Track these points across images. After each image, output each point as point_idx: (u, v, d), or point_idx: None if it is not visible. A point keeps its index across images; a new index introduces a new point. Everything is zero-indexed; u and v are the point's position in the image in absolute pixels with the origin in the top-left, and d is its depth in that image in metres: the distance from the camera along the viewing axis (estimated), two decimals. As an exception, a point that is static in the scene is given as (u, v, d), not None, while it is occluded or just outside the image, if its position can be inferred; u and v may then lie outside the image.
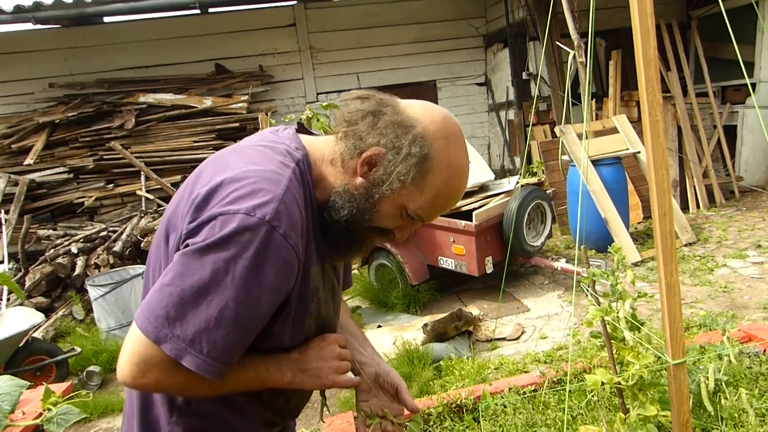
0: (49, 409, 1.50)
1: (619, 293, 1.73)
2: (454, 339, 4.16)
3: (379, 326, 4.68)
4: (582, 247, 1.76)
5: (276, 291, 0.99)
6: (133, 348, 0.97)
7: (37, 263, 5.81)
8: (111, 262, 5.64)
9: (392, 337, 4.15)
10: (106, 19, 8.18)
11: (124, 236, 5.91)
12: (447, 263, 4.96)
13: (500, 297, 4.37)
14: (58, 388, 1.74)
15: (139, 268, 5.15)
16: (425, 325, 4.06)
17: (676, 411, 1.40)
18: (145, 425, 1.15)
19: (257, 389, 1.11)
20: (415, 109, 1.09)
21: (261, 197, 0.94)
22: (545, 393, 2.13)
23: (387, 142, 1.05)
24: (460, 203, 4.84)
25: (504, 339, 4.25)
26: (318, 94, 9.06)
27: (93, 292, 4.84)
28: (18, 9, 6.82)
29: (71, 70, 8.08)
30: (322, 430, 2.04)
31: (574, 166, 5.63)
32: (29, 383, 1.62)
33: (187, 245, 0.95)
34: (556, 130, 5.87)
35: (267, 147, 1.08)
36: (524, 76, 8.48)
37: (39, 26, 7.39)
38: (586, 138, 5.77)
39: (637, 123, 6.85)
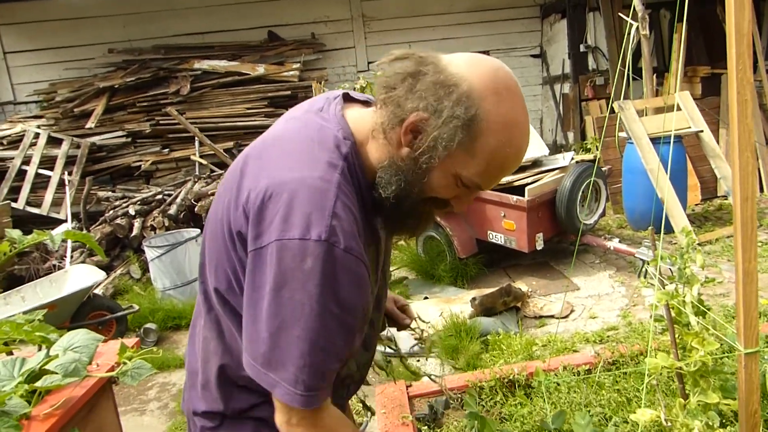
0: (125, 363, 1.58)
1: (687, 277, 1.69)
2: (502, 314, 4.15)
3: (426, 298, 4.71)
4: (646, 228, 1.72)
5: (356, 306, 0.98)
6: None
7: (97, 224, 6.05)
8: (166, 224, 5.82)
9: (439, 309, 4.17)
10: (164, -15, 8.31)
11: (178, 200, 6.08)
12: (496, 238, 4.92)
13: (568, 275, 4.32)
14: (129, 343, 1.83)
15: (192, 231, 5.30)
16: (473, 299, 4.06)
17: (744, 401, 1.37)
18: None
19: None
20: (459, 64, 0.97)
21: (313, 214, 0.92)
22: (599, 373, 2.11)
23: (428, 105, 0.95)
24: (511, 178, 4.77)
25: (552, 317, 4.21)
26: (369, 63, 9.01)
27: (150, 253, 5.02)
28: (81, -25, 7.00)
29: (130, 36, 8.26)
30: (375, 397, 2.08)
31: (632, 143, 5.46)
32: (104, 337, 1.71)
33: (254, 270, 0.96)
34: (615, 105, 5.69)
35: (314, 141, 1.02)
36: (582, 48, 8.22)
37: (100, -8, 7.58)
38: (675, 112, 5.57)
39: (700, 100, 6.57)
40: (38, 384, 1.46)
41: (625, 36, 4.16)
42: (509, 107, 0.96)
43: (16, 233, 1.40)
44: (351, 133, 1.04)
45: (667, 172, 4.77)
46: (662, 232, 5.36)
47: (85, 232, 5.80)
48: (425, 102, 0.95)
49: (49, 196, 6.76)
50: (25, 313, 3.13)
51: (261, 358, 0.96)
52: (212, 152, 7.27)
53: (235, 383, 1.15)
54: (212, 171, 7.12)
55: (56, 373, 1.44)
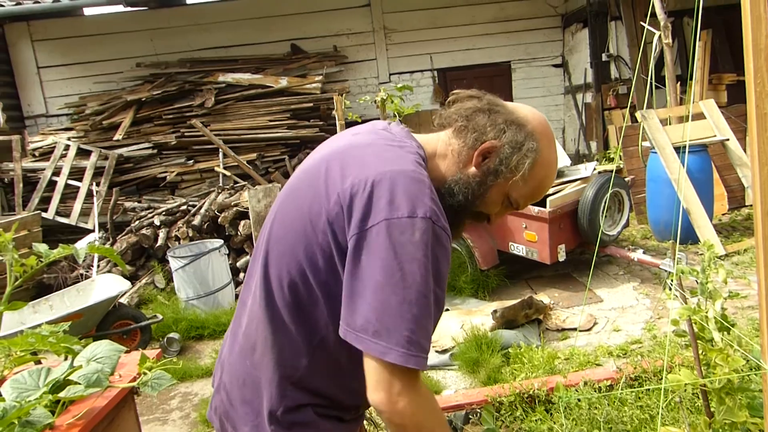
0: (145, 373, 1.60)
1: (709, 292, 1.66)
2: (524, 327, 4.11)
3: (447, 309, 4.68)
4: (670, 240, 1.70)
5: (445, 278, 1.10)
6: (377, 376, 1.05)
7: (123, 233, 6.16)
8: (190, 235, 5.90)
9: (460, 321, 4.15)
10: (189, 1, 8.48)
11: (202, 211, 6.15)
12: (518, 249, 4.89)
13: (588, 286, 4.27)
14: (150, 354, 1.85)
15: (216, 242, 5.37)
16: (495, 311, 4.03)
17: (768, 419, 1.34)
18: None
19: None
20: (524, 110, 1.24)
21: (417, 197, 1.05)
22: (622, 390, 2.08)
23: (506, 137, 1.18)
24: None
25: (575, 329, 4.16)
26: (391, 74, 9.06)
27: (174, 263, 5.09)
28: (109, -8, 7.20)
29: (156, 50, 8.45)
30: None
31: (656, 152, 5.39)
32: (126, 348, 1.74)
33: (360, 248, 1.03)
34: (638, 114, 5.63)
35: (394, 146, 1.18)
36: (604, 57, 8.16)
37: (128, 8, 7.76)
38: (690, 122, 5.50)
39: (725, 108, 6.46)
40: (62, 394, 1.49)
41: (644, 44, 4.12)
42: (552, 149, 1.24)
43: (43, 248, 1.44)
44: (420, 145, 1.23)
45: (691, 181, 4.70)
46: (688, 243, 5.26)
47: (107, 245, 5.91)
48: (504, 134, 1.19)
49: (77, 206, 6.93)
50: (51, 322, 3.21)
51: (371, 328, 1.01)
52: (236, 164, 7.36)
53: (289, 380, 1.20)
54: (236, 182, 7.20)
55: (79, 384, 1.47)
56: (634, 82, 7.48)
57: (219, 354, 1.37)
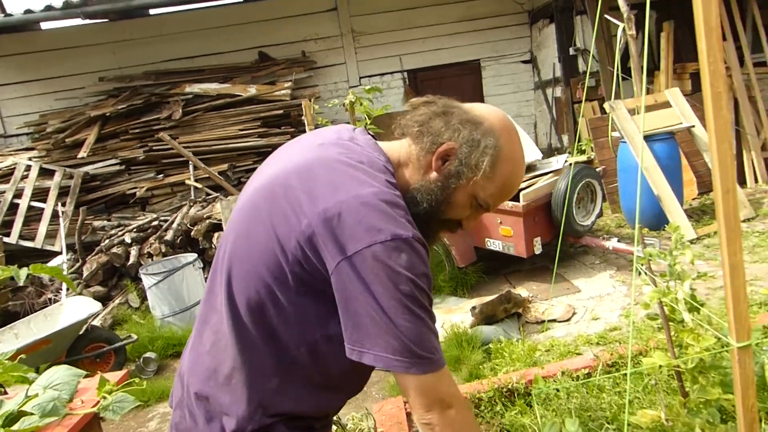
0: (105, 398, 1.54)
1: (678, 274, 1.66)
2: (503, 321, 4.11)
3: (427, 310, 4.66)
4: (638, 226, 1.70)
5: (430, 287, 1.10)
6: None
7: (93, 253, 6.03)
8: (163, 250, 5.80)
9: (440, 320, 4.13)
10: (152, 11, 8.34)
11: (174, 225, 6.06)
12: (494, 245, 4.89)
13: (553, 277, 4.28)
14: (114, 376, 1.79)
15: (190, 256, 5.27)
16: (473, 307, 4.02)
17: (740, 395, 1.33)
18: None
19: None
20: (480, 109, 1.22)
21: (395, 219, 1.04)
22: (599, 376, 2.07)
23: (462, 137, 1.16)
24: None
25: (554, 320, 4.17)
26: (361, 78, 9.03)
27: (147, 281, 4.99)
28: (67, 5, 7.01)
29: (119, 63, 8.29)
30: (373, 415, 2.05)
31: (625, 142, 5.44)
32: (86, 372, 1.67)
33: (348, 277, 1.02)
34: (606, 105, 5.67)
35: (365, 164, 1.14)
36: (571, 51, 8.23)
37: (87, 21, 7.59)
38: (644, 112, 5.56)
39: (690, 96, 6.55)
40: (15, 427, 1.41)
41: (614, 37, 4.16)
42: (516, 144, 1.21)
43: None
44: (387, 157, 1.21)
45: (660, 168, 4.75)
46: (661, 229, 5.31)
47: (77, 267, 5.77)
48: (460, 134, 1.17)
49: (42, 228, 6.74)
50: (19, 351, 3.11)
51: (390, 350, 1.03)
52: (207, 175, 7.27)
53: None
54: (208, 194, 7.10)
55: (33, 414, 1.40)
56: (601, 75, 7.57)
57: (179, 370, 1.32)
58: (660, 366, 1.68)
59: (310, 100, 7.16)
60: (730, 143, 1.24)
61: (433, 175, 1.18)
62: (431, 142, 1.17)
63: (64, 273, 4.73)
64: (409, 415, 2.14)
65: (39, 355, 3.64)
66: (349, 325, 1.05)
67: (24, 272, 1.27)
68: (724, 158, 1.23)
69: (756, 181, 6.69)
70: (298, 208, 1.07)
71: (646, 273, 1.76)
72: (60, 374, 1.51)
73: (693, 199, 6.27)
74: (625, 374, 2.08)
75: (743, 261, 1.26)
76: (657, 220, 5.18)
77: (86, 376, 1.65)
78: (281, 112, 7.76)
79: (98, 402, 1.58)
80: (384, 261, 1.01)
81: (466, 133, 1.16)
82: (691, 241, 5.10)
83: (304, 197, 1.07)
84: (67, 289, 4.89)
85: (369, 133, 1.28)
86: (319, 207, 1.05)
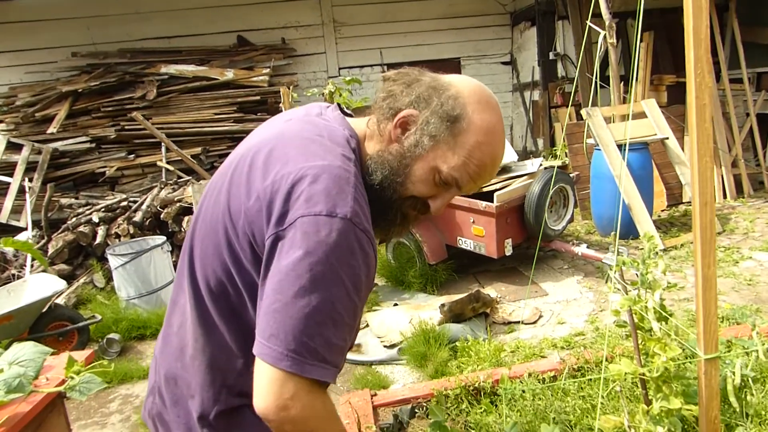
0: (72, 378, 1.50)
1: (649, 283, 1.69)
2: (471, 320, 4.14)
3: (396, 304, 4.67)
4: (612, 234, 1.72)
5: (363, 286, 1.00)
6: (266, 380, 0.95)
7: (59, 231, 5.88)
8: (131, 232, 5.69)
9: (408, 315, 4.14)
10: (130, -13, 8.15)
11: (144, 207, 5.94)
12: (466, 244, 4.92)
13: (530, 278, 4.33)
14: (81, 356, 1.75)
15: (158, 239, 5.18)
16: (442, 305, 4.04)
17: (704, 407, 1.37)
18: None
19: None
20: (450, 77, 1.13)
21: (338, 195, 0.96)
22: (566, 380, 2.10)
23: (420, 101, 1.08)
24: (481, 184, 4.77)
25: (521, 322, 4.22)
26: (340, 68, 8.98)
27: (113, 261, 4.89)
28: (43, -25, 6.81)
29: (94, 39, 8.08)
30: (339, 406, 2.04)
31: (599, 150, 5.53)
32: (53, 350, 1.63)
33: (274, 251, 0.96)
34: (582, 112, 5.75)
35: (324, 138, 1.08)
36: (551, 56, 8.31)
37: (63, -8, 7.38)
38: (630, 120, 5.64)
39: (665, 108, 6.68)
40: (-21, 401, 1.38)
41: (594, 44, 4.21)
42: (489, 115, 1.09)
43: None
44: (354, 131, 1.14)
45: (632, 177, 4.83)
46: (629, 238, 5.43)
47: (25, 239, 5.62)
48: (417, 98, 1.08)
49: (8, 203, 6.55)
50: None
51: (268, 331, 0.93)
52: (179, 158, 7.14)
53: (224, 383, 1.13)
54: (179, 177, 6.98)
55: (-2, 389, 1.37)
56: (580, 81, 7.66)
57: (154, 353, 1.30)
58: (626, 373, 1.71)
59: (288, 88, 7.11)
60: (710, 156, 1.26)
61: (394, 146, 1.10)
62: (388, 108, 1.10)
63: (27, 250, 4.60)
64: (376, 408, 2.14)
65: (1, 330, 3.55)
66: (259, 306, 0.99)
67: (-8, 249, 1.23)
68: (704, 171, 1.25)
69: (725, 196, 6.86)
70: (251, 184, 1.03)
71: (617, 280, 1.78)
72: (26, 351, 1.48)
73: (662, 210, 6.40)
74: (591, 379, 2.11)
75: (716, 274, 1.29)
76: (625, 230, 5.28)
77: (52, 354, 1.61)
78: (258, 98, 7.68)
79: (64, 381, 1.54)
80: (309, 235, 0.93)
81: (425, 97, 1.08)
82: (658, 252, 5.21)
83: (259, 173, 1.03)
84: (32, 266, 4.76)
85: (341, 109, 1.23)
86: (267, 180, 1.00)
